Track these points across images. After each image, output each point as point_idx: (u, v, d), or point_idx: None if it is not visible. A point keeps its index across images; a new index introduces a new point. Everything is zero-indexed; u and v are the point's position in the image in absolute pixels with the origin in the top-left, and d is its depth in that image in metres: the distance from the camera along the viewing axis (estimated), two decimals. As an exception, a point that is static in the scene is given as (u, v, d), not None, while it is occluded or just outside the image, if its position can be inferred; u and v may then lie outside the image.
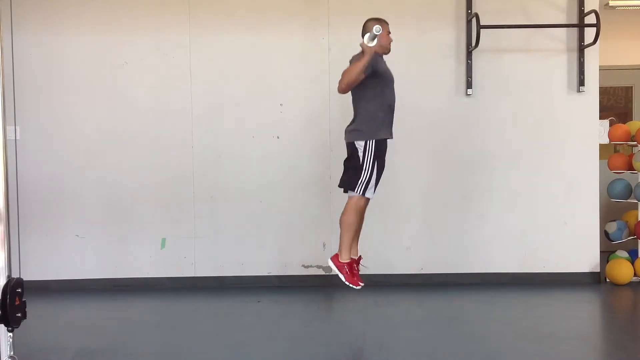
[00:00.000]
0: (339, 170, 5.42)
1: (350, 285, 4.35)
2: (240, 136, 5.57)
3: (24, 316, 2.50)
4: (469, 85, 5.54)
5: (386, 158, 4.42)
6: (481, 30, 5.25)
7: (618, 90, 7.22)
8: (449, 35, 5.58)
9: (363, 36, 4.28)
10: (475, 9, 5.48)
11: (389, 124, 4.39)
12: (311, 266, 5.61)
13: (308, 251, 5.60)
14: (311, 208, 5.57)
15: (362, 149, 4.28)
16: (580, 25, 5.51)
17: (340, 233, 4.39)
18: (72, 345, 3.97)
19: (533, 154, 5.58)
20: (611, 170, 5.90)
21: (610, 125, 5.93)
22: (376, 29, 4.01)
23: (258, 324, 4.46)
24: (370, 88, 4.27)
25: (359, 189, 4.29)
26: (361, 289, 4.45)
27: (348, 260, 4.38)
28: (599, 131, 5.69)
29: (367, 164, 4.27)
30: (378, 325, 4.40)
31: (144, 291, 5.47)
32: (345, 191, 4.46)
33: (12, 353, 2.52)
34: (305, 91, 5.58)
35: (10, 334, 2.50)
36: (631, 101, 7.21)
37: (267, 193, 5.58)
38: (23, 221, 5.48)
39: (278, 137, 5.58)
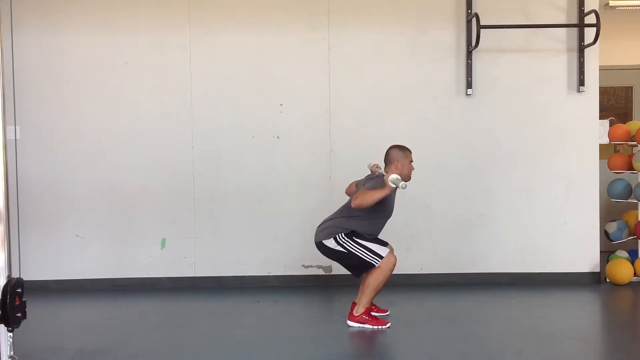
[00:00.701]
0: (339, 170, 5.45)
1: (381, 327, 4.23)
2: (240, 136, 5.57)
3: (24, 316, 2.50)
4: (469, 85, 5.54)
5: None
6: (481, 30, 5.25)
7: (618, 90, 7.21)
8: (449, 35, 5.58)
9: (385, 162, 4.32)
10: (475, 9, 5.48)
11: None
12: (311, 266, 5.61)
13: (308, 251, 5.58)
14: (311, 208, 5.56)
15: (335, 243, 4.22)
16: (580, 25, 5.50)
17: (364, 291, 4.25)
18: (72, 345, 3.97)
19: (533, 154, 5.58)
20: (611, 170, 5.90)
21: (610, 125, 5.93)
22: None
23: (258, 324, 4.46)
24: (369, 213, 4.21)
25: (374, 261, 4.18)
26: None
27: (363, 311, 4.29)
28: (599, 131, 5.69)
29: (354, 248, 4.19)
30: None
31: (144, 291, 5.47)
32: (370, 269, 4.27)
33: (12, 353, 2.52)
34: (305, 91, 5.58)
35: (10, 334, 2.50)
36: (631, 101, 7.20)
37: (267, 193, 5.58)
38: (23, 221, 5.48)
39: (278, 137, 5.58)
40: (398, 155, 4.31)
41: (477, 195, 5.60)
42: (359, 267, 4.27)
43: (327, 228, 4.29)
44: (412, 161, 4.37)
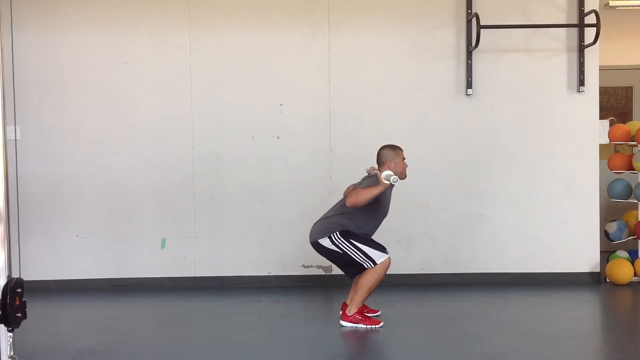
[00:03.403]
0: (339, 170, 5.45)
1: (374, 327, 4.25)
2: (240, 136, 5.57)
3: (24, 316, 2.50)
4: (469, 85, 5.54)
5: None
6: (481, 30, 5.25)
7: (618, 90, 7.21)
8: (449, 35, 5.58)
9: (378, 163, 4.34)
10: (475, 9, 5.48)
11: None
12: (311, 266, 5.61)
13: (308, 251, 5.55)
14: (311, 208, 5.54)
15: (331, 243, 4.21)
16: (580, 25, 5.50)
17: (358, 291, 4.25)
18: (72, 345, 3.97)
19: (533, 154, 5.58)
20: (611, 170, 5.90)
21: (610, 125, 5.92)
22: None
23: (258, 324, 4.46)
24: (363, 212, 4.22)
25: (368, 264, 4.18)
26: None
27: (356, 311, 4.30)
28: (599, 131, 5.69)
29: (349, 249, 4.18)
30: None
31: (144, 291, 5.47)
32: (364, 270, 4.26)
33: (12, 353, 2.52)
34: (305, 91, 5.58)
35: (10, 334, 2.50)
36: (631, 101, 7.20)
37: (267, 193, 5.58)
38: (23, 221, 5.48)
39: (278, 137, 5.58)
40: (390, 155, 4.33)
41: (477, 195, 5.60)
42: (353, 268, 4.28)
43: (321, 227, 4.30)
44: (404, 158, 4.39)
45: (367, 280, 4.21)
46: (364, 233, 4.29)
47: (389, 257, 4.23)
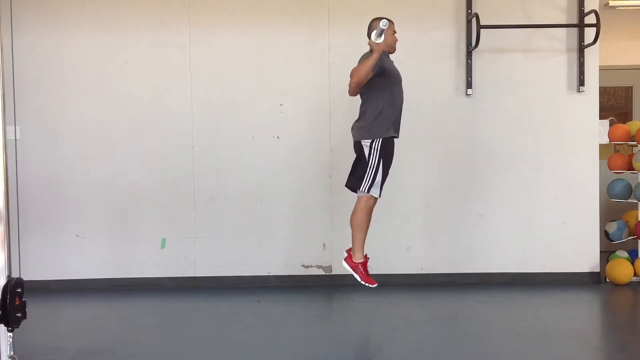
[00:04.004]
0: (339, 170, 5.44)
1: (367, 284, 4.35)
2: (240, 136, 5.57)
3: (24, 316, 2.51)
4: (469, 85, 5.54)
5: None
6: (481, 30, 5.25)
7: (618, 90, 7.21)
8: (449, 35, 5.58)
9: (369, 36, 4.32)
10: (475, 9, 5.48)
11: (396, 123, 4.41)
12: (311, 266, 5.61)
13: (308, 251, 5.60)
14: (311, 208, 5.56)
15: (369, 147, 4.32)
16: (580, 25, 5.51)
17: (352, 234, 4.39)
18: (72, 345, 3.97)
19: (533, 154, 5.58)
20: (611, 170, 5.90)
21: (610, 125, 5.92)
22: (383, 23, 4.05)
23: (258, 324, 4.46)
24: (379, 87, 4.30)
25: (365, 187, 4.31)
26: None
27: (362, 260, 4.40)
28: (599, 131, 5.69)
29: (373, 162, 4.30)
30: (378, 325, 4.40)
31: (144, 291, 5.47)
32: (355, 191, 4.45)
33: (12, 353, 2.52)
34: (305, 91, 5.58)
35: (10, 334, 2.50)
36: (631, 101, 7.21)
37: (267, 193, 5.58)
38: (23, 221, 5.47)
39: (278, 137, 5.58)
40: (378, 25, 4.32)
41: (476, 195, 5.60)
42: (355, 176, 4.39)
43: (360, 125, 4.37)
44: (394, 32, 4.42)
45: (354, 220, 4.36)
46: (396, 100, 4.35)
47: (376, 199, 4.36)
